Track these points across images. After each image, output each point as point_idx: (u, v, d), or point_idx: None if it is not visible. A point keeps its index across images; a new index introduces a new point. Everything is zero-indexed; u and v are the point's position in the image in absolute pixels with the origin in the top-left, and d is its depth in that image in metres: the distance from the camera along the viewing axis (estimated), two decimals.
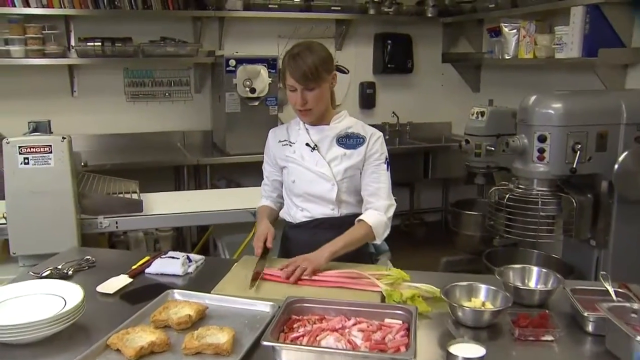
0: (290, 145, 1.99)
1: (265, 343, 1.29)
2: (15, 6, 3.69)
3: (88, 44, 3.85)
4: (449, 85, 5.07)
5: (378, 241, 1.90)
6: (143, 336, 1.37)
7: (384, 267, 1.79)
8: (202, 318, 1.51)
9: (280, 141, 2.01)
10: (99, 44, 3.87)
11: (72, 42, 3.95)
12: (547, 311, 1.49)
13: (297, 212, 2.01)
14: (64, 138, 2.25)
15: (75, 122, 4.10)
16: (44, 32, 3.78)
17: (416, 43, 4.94)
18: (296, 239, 2.02)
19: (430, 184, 5.14)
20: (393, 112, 4.90)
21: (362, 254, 1.97)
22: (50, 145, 2.22)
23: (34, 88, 4.02)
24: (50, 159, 2.23)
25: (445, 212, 5.16)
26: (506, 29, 3.84)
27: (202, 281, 1.78)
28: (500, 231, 2.95)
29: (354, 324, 1.43)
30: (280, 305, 1.48)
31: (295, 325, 1.43)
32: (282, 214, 2.10)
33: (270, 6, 4.30)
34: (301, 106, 1.86)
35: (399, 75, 4.97)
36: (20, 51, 3.70)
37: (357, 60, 4.87)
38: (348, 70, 4.85)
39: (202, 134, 4.51)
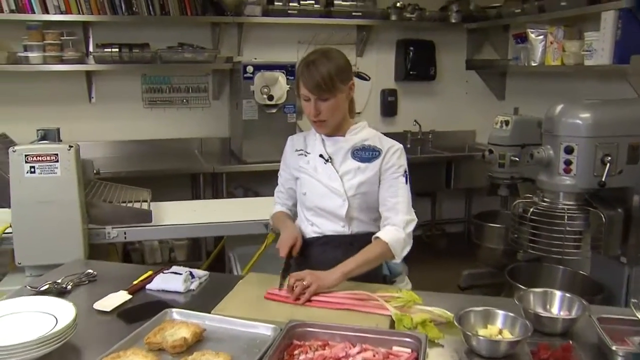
0: (306, 156, 1.90)
1: None
2: (34, 12, 3.70)
3: (105, 50, 3.84)
4: (472, 93, 4.94)
5: (397, 260, 1.78)
6: None
7: (395, 289, 1.68)
8: (199, 340, 1.44)
9: (297, 150, 1.94)
10: (117, 50, 3.85)
11: (90, 48, 3.94)
12: (570, 342, 1.37)
13: (307, 227, 1.92)
14: (70, 147, 2.20)
15: (93, 128, 4.12)
16: (62, 38, 3.78)
17: (439, 49, 4.83)
18: (305, 255, 1.91)
19: (453, 194, 5.01)
20: (415, 121, 4.79)
21: (375, 277, 1.85)
22: (57, 154, 2.17)
23: (52, 94, 4.02)
24: (57, 167, 2.18)
25: (467, 223, 5.02)
26: (533, 35, 3.70)
27: (204, 299, 1.71)
28: (524, 246, 2.82)
29: (359, 352, 1.35)
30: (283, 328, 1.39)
31: (296, 352, 1.35)
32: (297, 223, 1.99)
33: (289, 12, 4.24)
34: (315, 117, 1.78)
35: (421, 83, 4.86)
36: (38, 57, 3.70)
37: (378, 67, 4.77)
38: (369, 78, 4.75)
39: (220, 141, 4.45)
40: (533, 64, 3.76)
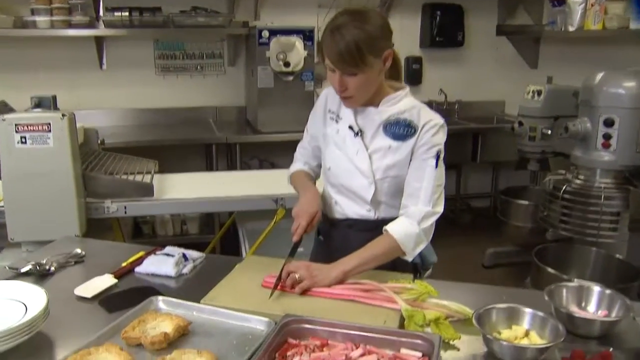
0: (337, 122, 1.63)
1: None
2: None
3: (115, 13, 3.65)
4: (503, 61, 4.66)
5: (409, 257, 1.55)
6: (107, 359, 1.14)
7: (408, 279, 1.49)
8: (185, 334, 1.28)
9: (329, 111, 1.66)
10: (126, 13, 3.66)
11: (100, 13, 3.76)
12: (610, 349, 1.17)
13: (331, 205, 1.70)
14: (64, 115, 2.04)
15: (103, 96, 3.99)
16: (70, 1, 3.61)
17: (468, 14, 4.52)
18: (327, 237, 1.74)
19: (479, 167, 4.79)
20: (440, 90, 4.54)
21: (404, 266, 1.61)
22: (49, 124, 2.02)
23: (61, 61, 3.88)
24: (49, 138, 2.03)
25: (493, 198, 4.81)
26: None
27: (197, 284, 1.54)
28: (554, 225, 2.61)
29: (362, 355, 1.16)
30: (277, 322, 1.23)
31: (289, 353, 1.18)
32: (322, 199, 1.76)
33: None
34: (340, 92, 1.52)
35: (448, 50, 4.58)
36: (45, 22, 3.54)
37: (402, 32, 4.49)
38: (393, 44, 4.47)
39: (236, 110, 4.29)
40: (570, 29, 3.48)
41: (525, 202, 3.49)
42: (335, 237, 1.71)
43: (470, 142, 4.26)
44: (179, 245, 1.79)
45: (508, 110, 4.68)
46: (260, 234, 2.57)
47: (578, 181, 2.33)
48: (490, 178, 4.88)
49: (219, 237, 3.29)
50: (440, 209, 1.56)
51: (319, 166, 1.78)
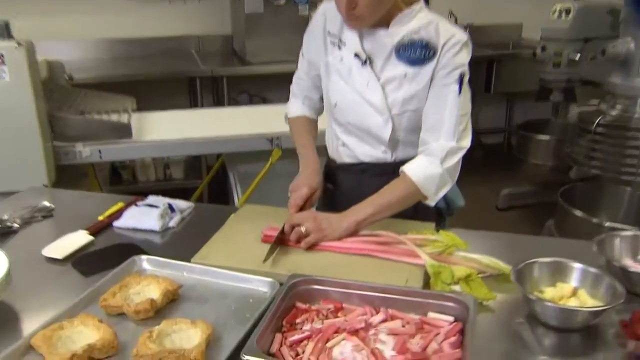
0: (339, 48, 1.47)
1: (247, 358, 0.92)
2: None
3: None
4: None
5: (431, 202, 1.43)
6: (83, 333, 1.04)
7: (431, 229, 1.38)
8: (174, 300, 1.18)
9: (330, 33, 1.49)
10: None
11: None
12: None
13: (338, 147, 1.59)
14: (19, 44, 1.86)
15: (70, 24, 3.77)
16: None
17: None
18: (339, 184, 1.62)
19: (493, 99, 4.66)
20: (450, 12, 4.34)
21: (426, 211, 1.50)
22: (2, 55, 1.84)
23: None
24: (5, 71, 1.87)
25: (508, 133, 4.70)
26: None
27: (186, 240, 1.45)
28: (581, 162, 2.49)
29: (383, 321, 1.06)
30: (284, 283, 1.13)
31: (298, 320, 1.08)
32: (326, 141, 1.67)
33: None
34: (348, 10, 1.34)
35: None
36: None
37: None
38: None
39: (221, 39, 4.13)
40: None
41: (546, 137, 3.40)
42: (345, 184, 1.60)
43: (484, 71, 4.16)
44: (163, 192, 1.69)
45: (526, 35, 4.51)
46: (254, 178, 2.48)
47: (614, 112, 2.20)
48: (504, 111, 4.77)
49: (206, 183, 3.18)
50: (466, 143, 1.43)
51: (322, 99, 1.63)
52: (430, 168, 1.39)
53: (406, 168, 1.41)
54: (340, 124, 1.55)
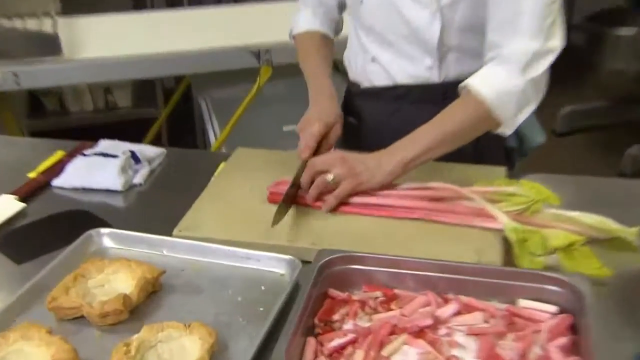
0: None
1: None
2: None
3: None
4: None
5: (507, 130, 1.37)
6: (24, 354, 0.97)
7: (503, 179, 1.35)
8: (154, 292, 1.13)
9: None
10: None
11: None
12: None
13: (364, 64, 1.58)
14: None
15: None
16: None
17: None
18: (365, 117, 1.61)
19: None
20: None
21: (492, 151, 1.50)
22: None
23: None
24: None
25: (571, 29, 4.64)
26: None
27: (161, 202, 1.45)
28: None
29: (457, 314, 1.02)
30: (311, 261, 1.08)
31: (336, 316, 1.03)
32: (345, 59, 1.67)
33: None
34: None
35: None
36: None
37: None
38: None
39: None
40: None
41: (629, 32, 3.37)
42: (374, 117, 1.59)
43: None
44: (105, 126, 1.63)
45: None
46: (235, 109, 2.44)
47: None
48: None
49: (166, 116, 3.13)
50: (557, 43, 1.33)
51: (341, 5, 1.63)
52: (507, 80, 1.31)
53: (472, 82, 1.34)
54: (368, 30, 1.52)
